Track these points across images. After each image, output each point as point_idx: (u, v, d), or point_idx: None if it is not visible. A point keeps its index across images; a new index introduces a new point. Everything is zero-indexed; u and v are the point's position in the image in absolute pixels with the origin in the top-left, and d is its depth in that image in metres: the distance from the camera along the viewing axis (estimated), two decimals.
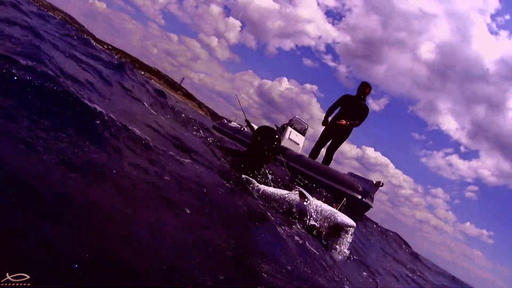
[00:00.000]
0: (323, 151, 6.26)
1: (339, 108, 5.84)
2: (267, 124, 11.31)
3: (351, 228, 2.54)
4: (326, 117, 5.91)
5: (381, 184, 5.01)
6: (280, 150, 3.90)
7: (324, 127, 5.99)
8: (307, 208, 2.58)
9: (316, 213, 2.56)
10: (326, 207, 2.61)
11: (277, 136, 3.50)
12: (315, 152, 6.35)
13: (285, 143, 9.53)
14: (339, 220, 2.51)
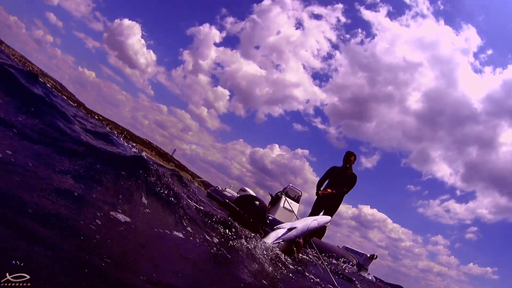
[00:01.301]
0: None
1: (328, 180, 6.13)
2: (264, 192, 11.40)
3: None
4: (317, 190, 6.15)
5: (375, 256, 5.23)
6: (265, 220, 3.83)
7: (317, 197, 6.13)
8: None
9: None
10: (299, 224, 3.39)
11: (258, 205, 3.49)
12: None
13: (280, 212, 9.70)
14: (316, 225, 3.30)
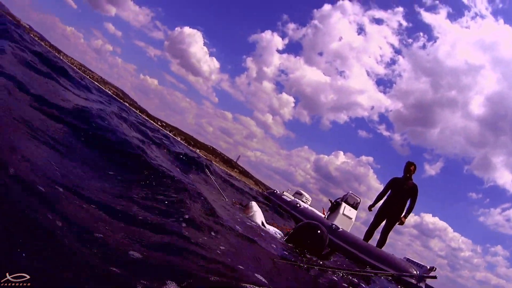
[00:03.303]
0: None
1: (390, 191, 6.25)
2: (329, 198, 11.53)
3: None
4: (374, 203, 6.37)
5: (434, 269, 5.18)
6: (324, 249, 3.68)
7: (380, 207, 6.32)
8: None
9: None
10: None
11: (319, 235, 3.30)
12: (369, 234, 6.50)
13: (339, 218, 9.80)
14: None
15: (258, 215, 3.91)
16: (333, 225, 6.62)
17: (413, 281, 5.04)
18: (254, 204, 4.28)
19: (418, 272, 5.15)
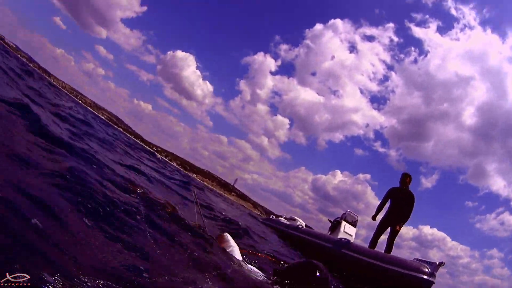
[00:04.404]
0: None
1: (390, 201, 6.65)
2: (327, 218, 11.76)
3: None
4: (376, 213, 6.71)
5: (443, 263, 5.66)
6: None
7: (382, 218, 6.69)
8: None
9: None
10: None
11: (318, 277, 2.58)
12: (373, 242, 6.80)
13: (341, 236, 9.92)
14: None
15: (236, 250, 3.14)
16: (343, 239, 7.03)
17: (426, 277, 5.50)
18: (228, 236, 3.40)
19: (429, 269, 5.61)
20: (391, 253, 6.53)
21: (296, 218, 13.75)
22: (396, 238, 6.65)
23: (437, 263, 5.78)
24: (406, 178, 6.58)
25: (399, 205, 6.49)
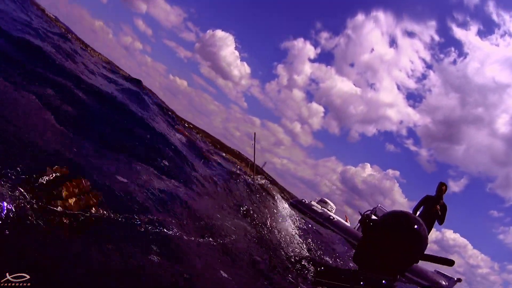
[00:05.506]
0: None
1: (422, 207, 6.78)
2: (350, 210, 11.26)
3: None
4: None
5: (460, 280, 5.77)
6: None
7: None
8: None
9: None
10: None
11: (417, 230, 2.34)
12: None
13: None
14: None
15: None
16: None
17: None
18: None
19: (447, 284, 5.82)
20: None
21: (327, 200, 13.49)
22: None
23: (455, 279, 5.93)
24: (442, 186, 6.72)
25: (431, 213, 6.60)
